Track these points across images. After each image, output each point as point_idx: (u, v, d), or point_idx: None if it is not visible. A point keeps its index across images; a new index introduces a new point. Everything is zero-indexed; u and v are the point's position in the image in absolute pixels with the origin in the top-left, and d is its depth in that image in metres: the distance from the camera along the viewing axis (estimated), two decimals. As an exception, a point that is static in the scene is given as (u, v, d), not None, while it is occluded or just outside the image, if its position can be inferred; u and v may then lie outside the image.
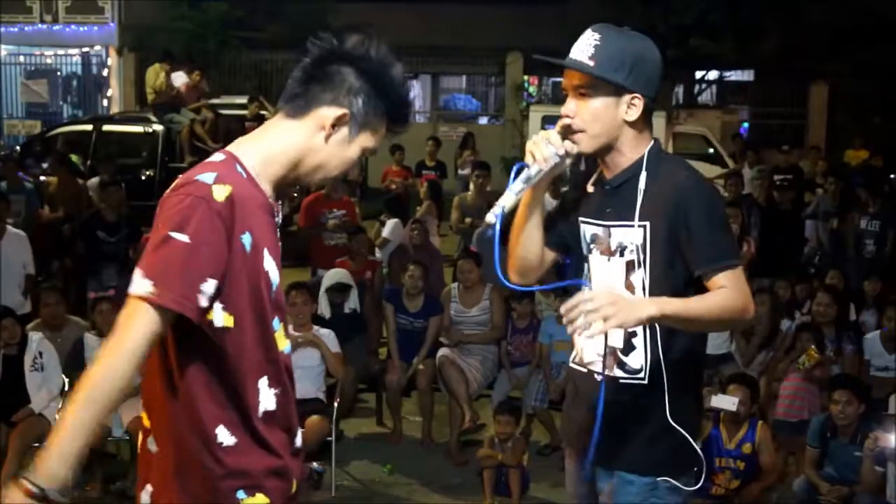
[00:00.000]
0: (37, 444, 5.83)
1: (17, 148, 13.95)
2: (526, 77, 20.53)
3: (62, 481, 1.93)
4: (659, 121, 13.00)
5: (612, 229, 2.68)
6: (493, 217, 2.52)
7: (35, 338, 5.98)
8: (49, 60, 20.23)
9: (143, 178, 12.24)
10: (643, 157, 2.65)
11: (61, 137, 12.77)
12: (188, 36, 17.14)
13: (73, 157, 11.58)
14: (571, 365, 2.89)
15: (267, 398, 2.15)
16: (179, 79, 13.02)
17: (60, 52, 19.99)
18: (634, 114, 2.60)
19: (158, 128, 12.60)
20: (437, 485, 6.10)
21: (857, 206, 9.73)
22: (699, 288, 2.59)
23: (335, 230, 8.48)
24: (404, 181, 12.74)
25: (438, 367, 6.66)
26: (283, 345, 2.21)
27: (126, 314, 1.99)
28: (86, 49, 19.92)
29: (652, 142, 2.68)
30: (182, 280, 1.98)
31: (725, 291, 2.55)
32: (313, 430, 5.83)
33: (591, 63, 2.55)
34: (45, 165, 11.29)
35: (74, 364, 6.02)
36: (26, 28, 19.52)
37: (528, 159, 2.59)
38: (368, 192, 14.78)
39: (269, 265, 2.13)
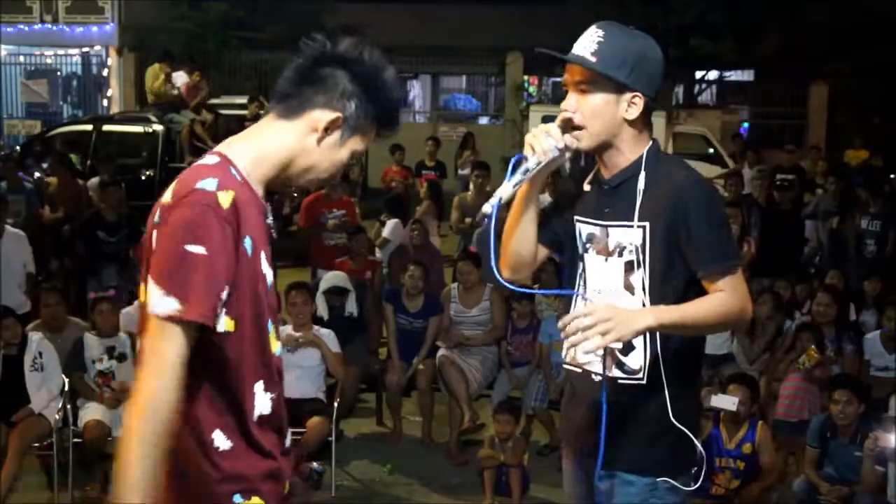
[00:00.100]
0: (36, 444, 5.86)
1: (17, 148, 13.95)
2: (526, 77, 20.53)
3: None
4: (659, 121, 13.00)
5: (610, 229, 2.66)
6: (489, 207, 2.51)
7: (35, 338, 5.98)
8: (49, 60, 20.22)
9: (143, 178, 12.24)
10: (642, 156, 2.63)
11: (60, 137, 12.77)
12: (188, 36, 17.13)
13: (73, 157, 11.56)
14: (565, 365, 2.88)
15: (262, 402, 2.15)
16: (180, 79, 13.03)
17: (60, 52, 19.98)
18: (634, 112, 2.59)
19: (158, 128, 12.60)
20: (437, 485, 6.10)
21: (857, 206, 9.72)
22: (700, 288, 2.58)
23: (335, 230, 8.48)
24: (404, 181, 12.75)
25: (438, 367, 6.67)
26: (275, 346, 2.21)
27: (155, 337, 1.97)
28: (86, 49, 19.92)
29: (651, 142, 2.67)
30: (206, 293, 1.98)
31: (723, 294, 2.54)
32: (313, 431, 5.83)
33: (594, 59, 2.54)
34: (45, 165, 11.28)
35: (74, 364, 6.03)
36: (26, 28, 19.51)
37: (527, 151, 2.58)
38: (368, 192, 14.78)
39: (266, 267, 2.14)
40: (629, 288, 2.65)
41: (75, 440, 5.77)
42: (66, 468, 5.79)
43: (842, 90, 18.17)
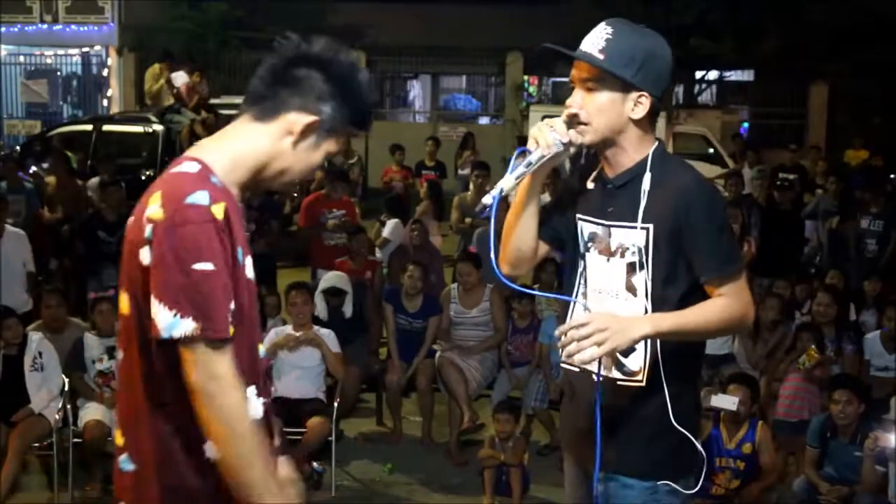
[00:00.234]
0: (36, 444, 5.85)
1: (17, 148, 13.94)
2: (526, 77, 20.52)
3: None
4: (659, 121, 12.95)
5: (612, 229, 2.63)
6: (490, 198, 2.50)
7: (35, 338, 5.98)
8: (49, 60, 20.21)
9: (143, 178, 12.22)
10: (647, 157, 2.60)
11: (58, 137, 12.76)
12: (188, 36, 17.14)
13: (71, 156, 11.54)
14: (564, 365, 2.88)
15: (255, 407, 2.15)
16: (180, 79, 13.02)
17: (60, 52, 19.97)
18: (640, 112, 2.56)
19: (158, 128, 12.58)
20: (437, 485, 6.10)
21: (859, 206, 9.72)
22: (703, 292, 2.56)
23: (335, 230, 8.48)
24: (404, 181, 12.74)
25: (438, 368, 6.66)
26: (261, 349, 2.25)
27: (189, 363, 1.98)
28: (86, 49, 19.91)
29: (656, 143, 2.64)
30: (223, 307, 1.99)
31: (725, 300, 2.53)
32: (314, 431, 5.83)
33: (601, 56, 2.51)
34: (45, 165, 11.28)
35: (74, 364, 6.03)
36: (26, 28, 19.51)
37: (530, 144, 2.55)
38: (368, 192, 14.78)
39: (251, 273, 2.13)
40: (631, 289, 2.62)
41: (75, 440, 5.77)
42: (66, 468, 5.79)
43: (842, 90, 18.16)
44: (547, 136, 2.53)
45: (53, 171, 10.36)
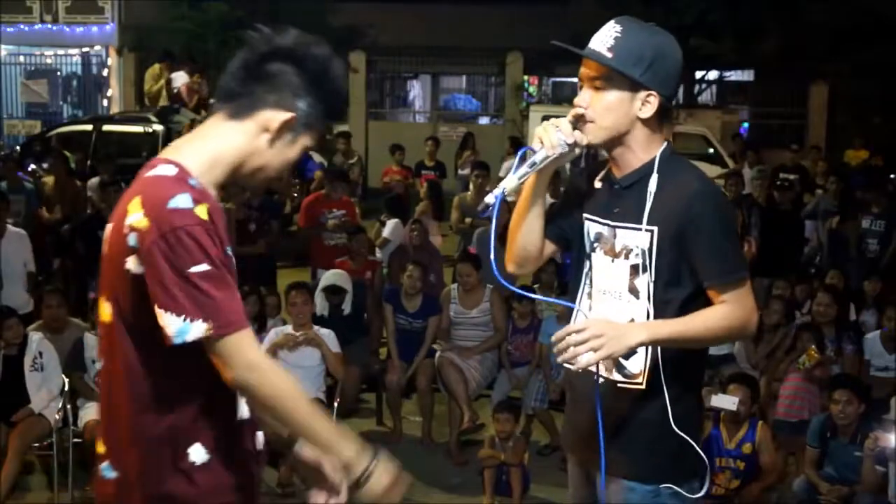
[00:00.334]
0: (36, 444, 5.85)
1: (17, 148, 13.95)
2: (526, 77, 20.50)
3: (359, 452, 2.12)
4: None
5: (617, 230, 2.61)
6: (492, 198, 2.48)
7: (35, 338, 5.97)
8: (49, 60, 20.20)
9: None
10: (655, 158, 2.57)
11: (58, 137, 12.77)
12: (188, 36, 17.11)
13: (70, 156, 11.54)
14: (566, 364, 2.86)
15: (243, 405, 2.15)
16: (180, 79, 13.03)
17: (60, 52, 19.97)
18: (649, 111, 2.53)
19: (158, 128, 12.59)
20: (437, 485, 6.10)
21: (860, 206, 9.71)
22: (706, 297, 2.54)
23: (335, 230, 8.48)
24: (404, 181, 12.74)
25: (438, 368, 6.66)
26: None
27: (220, 364, 1.99)
28: (86, 49, 19.91)
29: (665, 144, 2.61)
30: (228, 300, 1.98)
31: (727, 307, 2.50)
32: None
33: (610, 55, 2.49)
34: (45, 165, 11.29)
35: (74, 364, 6.02)
36: (26, 28, 19.50)
37: (535, 144, 2.54)
38: (368, 192, 14.79)
39: (234, 269, 2.12)
40: (634, 291, 2.60)
41: (75, 440, 5.76)
42: (66, 468, 5.78)
43: (842, 90, 18.14)
44: (552, 136, 2.51)
45: (53, 172, 10.37)
